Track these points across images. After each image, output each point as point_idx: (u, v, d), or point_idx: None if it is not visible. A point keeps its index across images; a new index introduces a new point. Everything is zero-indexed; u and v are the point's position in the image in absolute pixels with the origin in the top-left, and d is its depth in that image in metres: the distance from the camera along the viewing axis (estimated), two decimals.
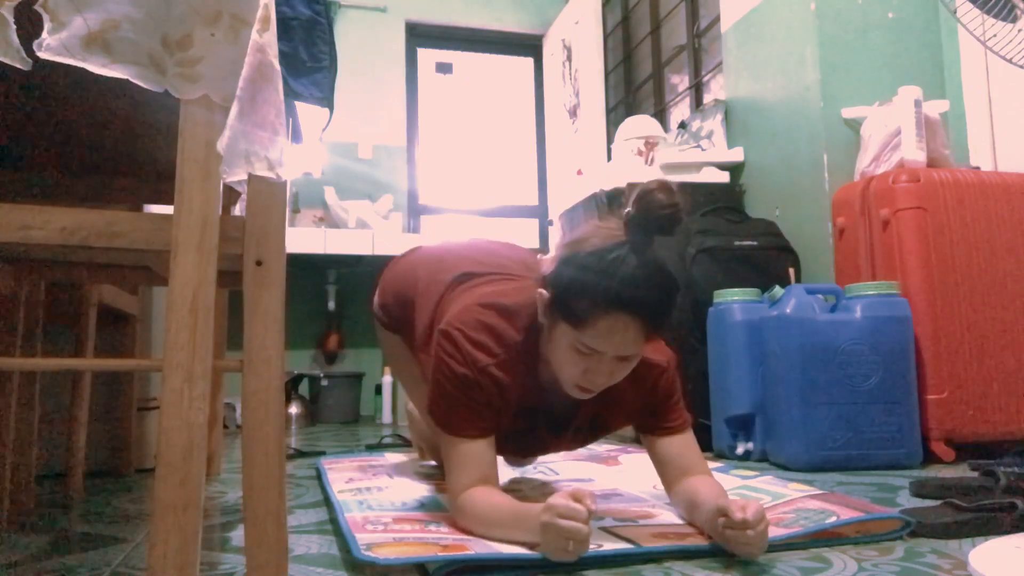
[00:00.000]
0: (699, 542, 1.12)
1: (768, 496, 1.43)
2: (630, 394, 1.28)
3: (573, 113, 4.39)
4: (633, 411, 1.31)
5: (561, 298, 1.14)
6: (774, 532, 1.15)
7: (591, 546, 1.07)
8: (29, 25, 0.75)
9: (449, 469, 1.24)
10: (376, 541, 1.12)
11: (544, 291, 1.17)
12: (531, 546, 1.05)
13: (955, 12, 1.90)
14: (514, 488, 1.63)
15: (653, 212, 1.09)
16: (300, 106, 1.08)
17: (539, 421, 1.33)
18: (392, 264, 1.70)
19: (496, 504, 1.18)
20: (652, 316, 1.11)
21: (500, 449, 1.31)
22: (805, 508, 1.30)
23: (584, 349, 1.12)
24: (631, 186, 2.32)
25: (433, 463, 1.92)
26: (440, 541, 1.12)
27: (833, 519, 1.19)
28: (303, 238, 3.61)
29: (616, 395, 1.25)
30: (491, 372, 1.20)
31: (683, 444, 1.31)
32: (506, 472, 1.85)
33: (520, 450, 1.41)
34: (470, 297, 1.32)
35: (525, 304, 1.25)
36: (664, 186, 1.09)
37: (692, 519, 1.23)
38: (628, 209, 1.11)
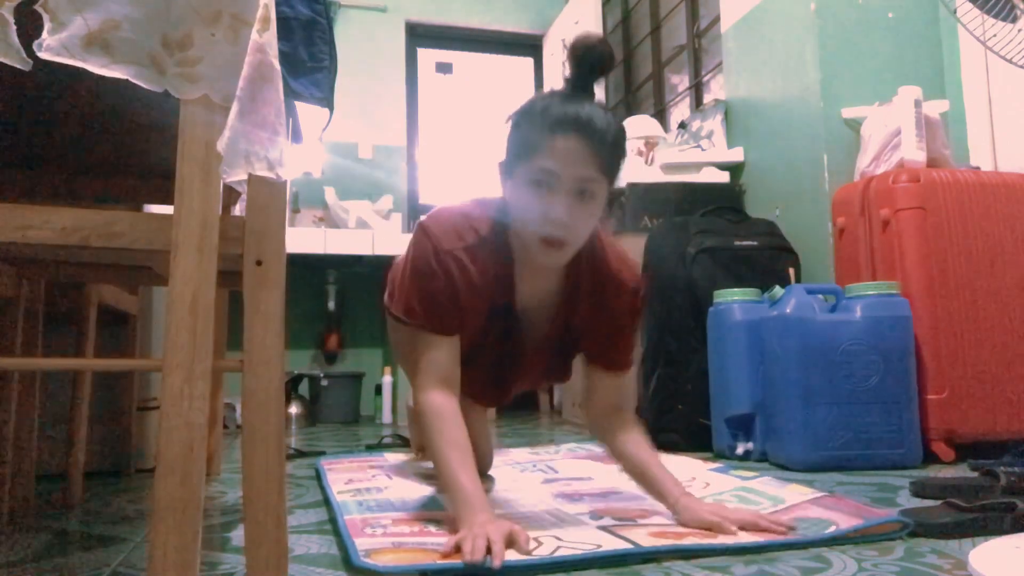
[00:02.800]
0: (699, 541, 1.12)
1: (767, 500, 1.43)
2: (598, 300, 1.32)
3: None
4: (599, 326, 1.35)
5: (513, 144, 1.20)
6: (773, 539, 1.15)
7: (590, 546, 1.08)
8: (29, 25, 0.75)
9: (410, 364, 1.30)
10: (375, 547, 1.12)
11: (500, 162, 1.25)
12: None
13: (955, 12, 1.90)
14: (513, 489, 1.63)
15: (580, 51, 1.17)
16: (300, 106, 1.08)
17: (512, 328, 1.35)
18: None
19: (451, 459, 1.19)
20: (599, 136, 1.15)
21: (472, 381, 1.35)
22: (805, 517, 1.29)
23: (541, 176, 1.16)
24: (632, 186, 2.37)
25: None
26: (439, 547, 1.12)
27: (832, 528, 1.18)
28: (303, 238, 3.61)
29: (588, 300, 1.31)
30: (458, 256, 1.23)
31: (619, 383, 1.39)
32: (507, 471, 1.85)
33: (493, 374, 1.43)
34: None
35: (497, 207, 1.29)
36: (589, 34, 1.19)
37: (640, 483, 1.33)
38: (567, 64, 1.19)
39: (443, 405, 1.23)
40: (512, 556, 1.04)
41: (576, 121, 1.13)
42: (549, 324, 1.37)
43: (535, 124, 1.16)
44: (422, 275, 1.25)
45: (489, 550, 1.01)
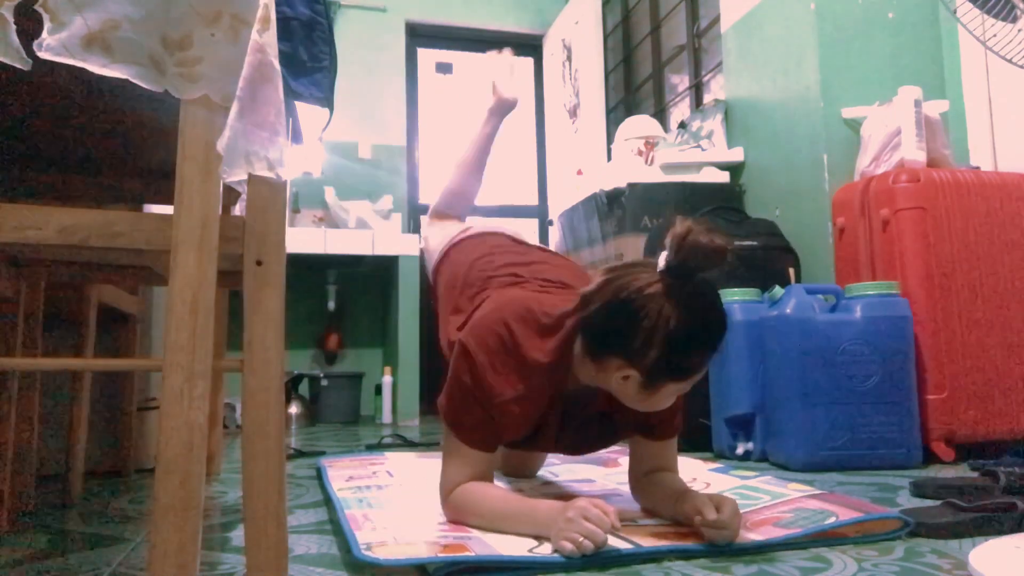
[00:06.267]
0: (699, 542, 1.12)
1: (767, 496, 1.43)
2: None
3: (573, 113, 4.39)
4: (642, 417, 1.29)
5: (653, 365, 1.11)
6: (773, 532, 1.15)
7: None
8: (29, 25, 0.75)
9: (445, 460, 1.26)
10: (376, 540, 1.12)
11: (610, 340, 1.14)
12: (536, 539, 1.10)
13: (955, 12, 1.90)
14: (516, 489, 1.63)
15: (693, 256, 1.09)
16: (300, 106, 1.08)
17: (550, 419, 1.31)
18: (460, 244, 1.65)
19: (497, 496, 1.20)
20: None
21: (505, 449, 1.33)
22: (804, 508, 1.30)
23: (661, 387, 1.14)
24: (632, 186, 2.33)
25: None
26: (440, 540, 1.12)
27: (832, 519, 1.19)
28: (303, 238, 3.61)
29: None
30: (509, 408, 1.19)
31: (668, 447, 1.35)
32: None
33: (526, 447, 1.41)
34: (503, 298, 1.28)
35: (562, 324, 1.21)
36: (705, 228, 1.11)
37: (654, 507, 1.30)
38: (667, 254, 1.10)
39: (470, 484, 1.22)
40: (517, 552, 1.05)
41: (714, 341, 1.13)
42: (587, 404, 1.31)
43: (687, 349, 1.11)
44: (470, 409, 1.20)
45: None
